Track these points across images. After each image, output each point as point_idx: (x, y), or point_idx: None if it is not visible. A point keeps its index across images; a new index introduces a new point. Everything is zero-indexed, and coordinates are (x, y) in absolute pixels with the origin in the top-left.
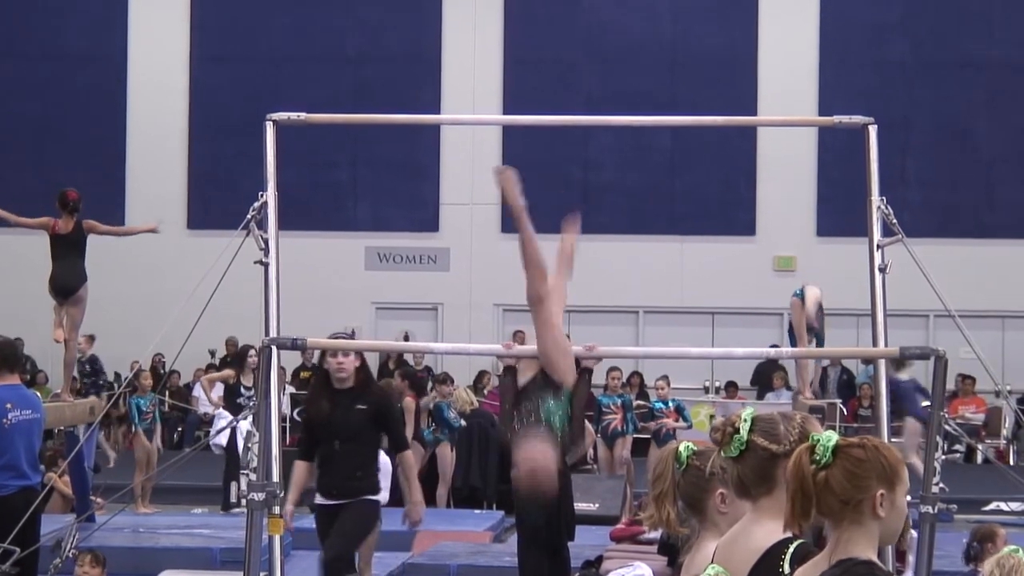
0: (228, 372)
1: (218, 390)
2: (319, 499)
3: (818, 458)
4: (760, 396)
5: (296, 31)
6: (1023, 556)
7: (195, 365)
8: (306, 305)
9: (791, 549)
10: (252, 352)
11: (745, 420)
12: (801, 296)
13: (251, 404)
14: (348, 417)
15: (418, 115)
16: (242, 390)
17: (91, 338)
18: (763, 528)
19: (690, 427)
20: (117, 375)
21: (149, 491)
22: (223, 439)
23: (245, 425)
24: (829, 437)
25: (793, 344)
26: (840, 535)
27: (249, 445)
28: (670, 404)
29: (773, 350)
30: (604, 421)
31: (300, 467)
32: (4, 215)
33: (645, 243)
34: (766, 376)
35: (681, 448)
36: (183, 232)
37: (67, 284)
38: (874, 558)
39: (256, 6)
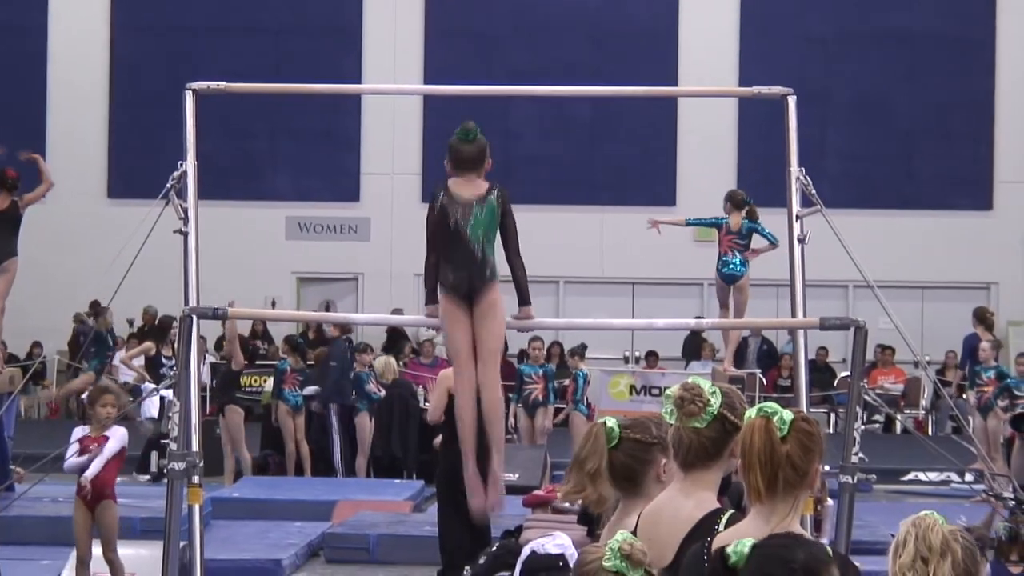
0: (147, 345)
1: (139, 360)
2: None
3: (778, 431)
4: (687, 366)
5: (217, 1)
6: (938, 516)
7: (115, 334)
8: (227, 275)
9: (724, 518)
10: (175, 324)
11: (713, 392)
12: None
13: (172, 373)
14: None
15: (339, 85)
16: (163, 359)
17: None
18: (692, 499)
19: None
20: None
21: None
22: (154, 411)
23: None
24: (782, 410)
25: None
26: (782, 506)
27: (169, 415)
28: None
29: (694, 321)
30: (525, 391)
31: None
32: None
33: (566, 213)
34: (694, 346)
35: (611, 424)
36: (103, 201)
37: None
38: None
39: None
